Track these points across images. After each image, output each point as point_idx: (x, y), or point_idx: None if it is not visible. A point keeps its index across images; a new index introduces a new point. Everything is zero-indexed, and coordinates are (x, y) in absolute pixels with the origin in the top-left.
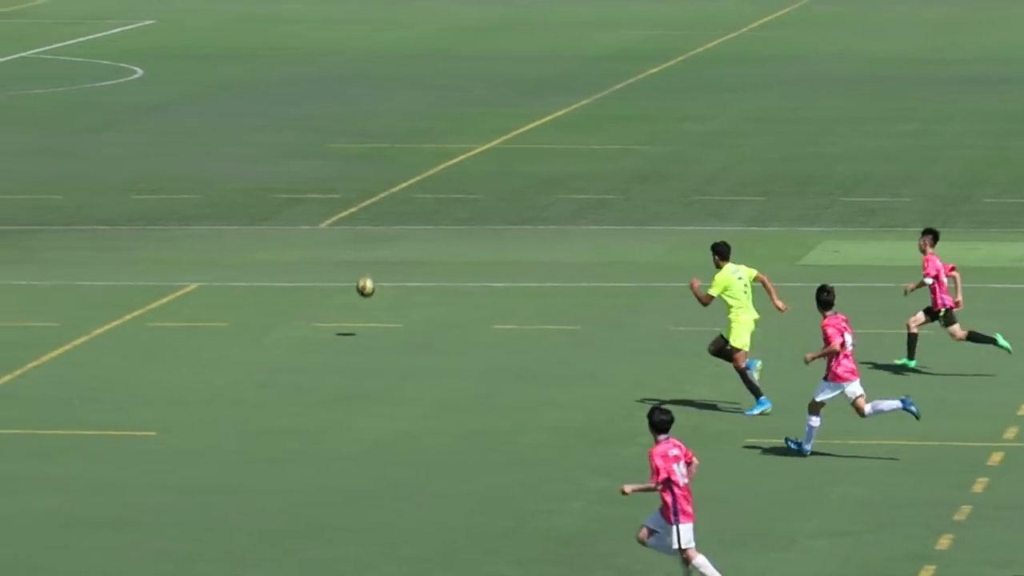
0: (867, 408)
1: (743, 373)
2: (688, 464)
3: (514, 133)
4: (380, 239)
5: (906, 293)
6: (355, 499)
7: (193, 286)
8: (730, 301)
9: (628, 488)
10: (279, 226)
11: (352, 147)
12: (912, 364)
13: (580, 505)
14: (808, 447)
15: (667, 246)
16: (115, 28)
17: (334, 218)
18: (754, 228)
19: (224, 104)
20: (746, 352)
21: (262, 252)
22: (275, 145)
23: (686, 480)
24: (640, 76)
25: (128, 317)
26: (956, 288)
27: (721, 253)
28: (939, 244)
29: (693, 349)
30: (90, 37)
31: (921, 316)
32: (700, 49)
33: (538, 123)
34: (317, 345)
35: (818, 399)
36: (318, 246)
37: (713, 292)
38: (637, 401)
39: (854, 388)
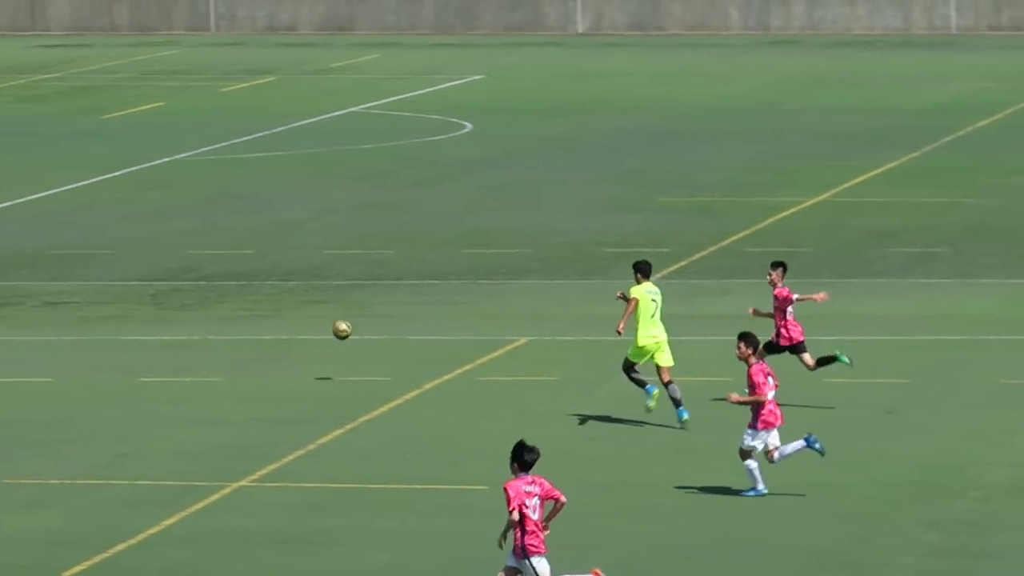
0: (775, 456)
1: (629, 372)
2: (555, 502)
3: (843, 186)
4: (709, 293)
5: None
6: (689, 552)
7: (523, 340)
8: (636, 315)
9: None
10: (609, 280)
11: (681, 200)
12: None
13: (912, 559)
14: (762, 487)
15: (997, 299)
16: (444, 83)
17: (664, 272)
18: None
19: (553, 158)
20: (638, 365)
21: (592, 306)
22: (604, 199)
23: (536, 515)
24: (969, 129)
25: (459, 371)
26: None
27: (642, 271)
28: None
29: None
30: (419, 92)
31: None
32: None
33: (867, 176)
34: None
35: (747, 448)
36: None
37: (633, 293)
38: (968, 455)
39: (773, 437)
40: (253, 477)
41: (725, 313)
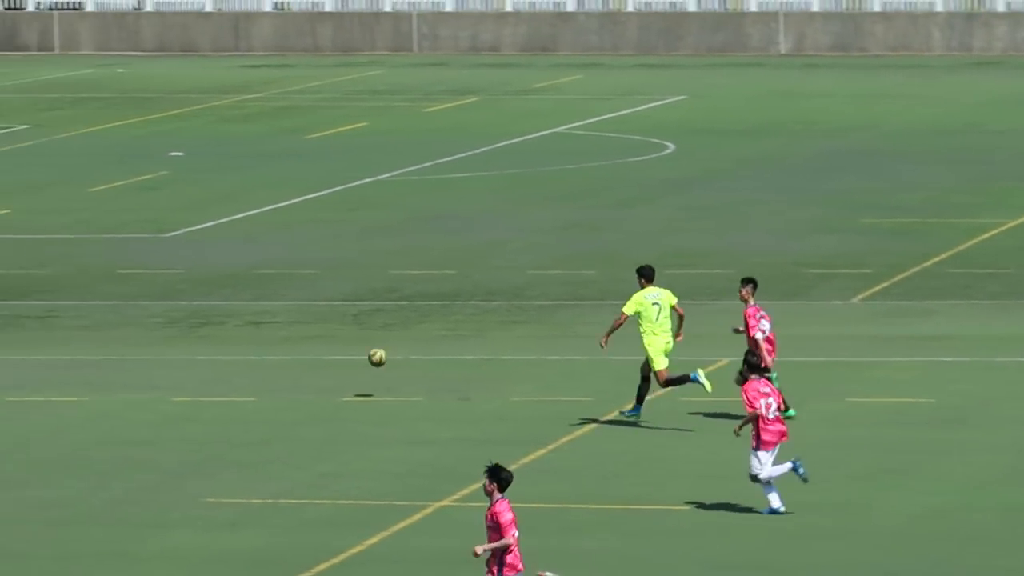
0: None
1: (674, 380)
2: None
3: None
4: (911, 314)
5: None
6: (886, 573)
7: (724, 361)
8: (641, 322)
9: (479, 549)
10: (811, 301)
11: (883, 222)
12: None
13: None
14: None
15: None
16: (647, 104)
17: (866, 293)
18: None
19: (754, 179)
20: (666, 370)
21: (794, 327)
22: (806, 220)
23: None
24: None
25: (660, 392)
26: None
27: (646, 276)
28: None
29: None
30: (621, 113)
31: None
32: None
33: None
34: (849, 420)
35: (755, 473)
36: (850, 321)
37: (626, 310)
38: None
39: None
40: (455, 497)
41: (927, 334)
